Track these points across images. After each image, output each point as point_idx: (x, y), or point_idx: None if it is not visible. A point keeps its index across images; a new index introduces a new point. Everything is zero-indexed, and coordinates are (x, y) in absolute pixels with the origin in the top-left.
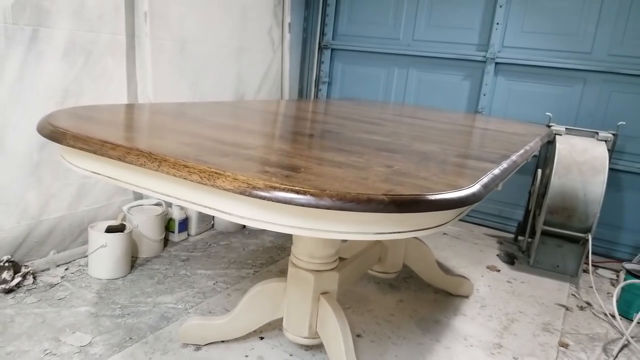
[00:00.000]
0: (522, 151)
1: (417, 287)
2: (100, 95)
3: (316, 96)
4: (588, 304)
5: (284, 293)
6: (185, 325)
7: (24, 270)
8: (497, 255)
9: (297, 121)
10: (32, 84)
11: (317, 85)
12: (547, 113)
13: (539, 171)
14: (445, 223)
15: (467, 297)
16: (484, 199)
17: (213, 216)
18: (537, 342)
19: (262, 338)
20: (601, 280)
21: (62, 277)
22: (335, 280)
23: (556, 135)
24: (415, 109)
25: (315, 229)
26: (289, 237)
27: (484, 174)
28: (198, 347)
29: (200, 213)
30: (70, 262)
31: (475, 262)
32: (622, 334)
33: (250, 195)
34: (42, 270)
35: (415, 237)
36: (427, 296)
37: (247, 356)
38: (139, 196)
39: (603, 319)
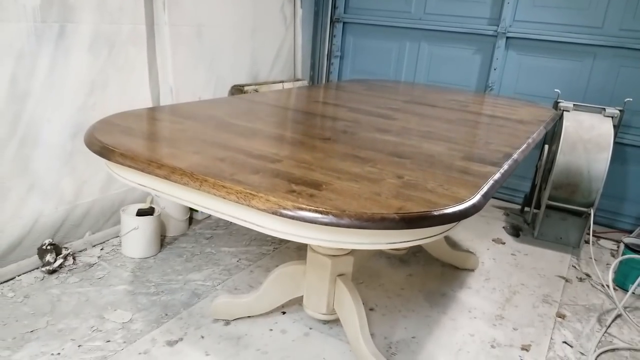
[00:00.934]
0: (524, 146)
1: (426, 262)
2: (124, 84)
3: (328, 70)
4: (587, 275)
5: (304, 275)
6: (215, 303)
7: (64, 252)
8: (503, 227)
9: (311, 119)
10: (61, 78)
11: (329, 59)
12: (555, 90)
13: (546, 147)
14: (448, 230)
15: (472, 270)
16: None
17: None
18: (536, 314)
19: (284, 313)
20: (602, 251)
21: (99, 257)
22: (350, 263)
23: (564, 112)
24: (425, 91)
25: (336, 241)
26: None
27: (485, 180)
28: (227, 322)
29: None
30: (104, 242)
31: (481, 235)
32: (616, 305)
33: (281, 215)
34: (80, 251)
35: None
36: (435, 270)
37: (271, 330)
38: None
39: (600, 290)
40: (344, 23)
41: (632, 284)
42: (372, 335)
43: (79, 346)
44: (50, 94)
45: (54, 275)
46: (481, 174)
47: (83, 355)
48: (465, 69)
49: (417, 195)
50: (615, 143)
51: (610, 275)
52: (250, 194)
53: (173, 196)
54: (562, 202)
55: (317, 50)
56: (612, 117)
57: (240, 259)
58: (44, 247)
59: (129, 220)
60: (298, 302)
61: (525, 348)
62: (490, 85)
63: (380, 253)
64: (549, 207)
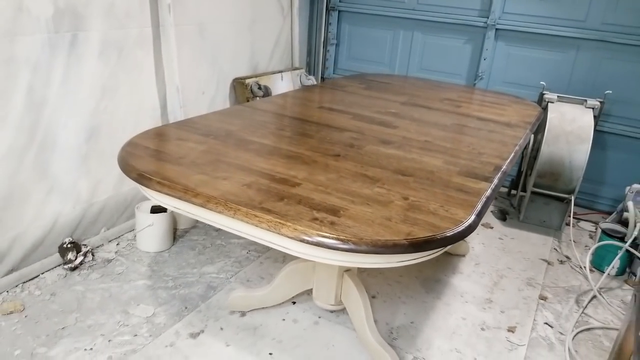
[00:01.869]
0: (512, 155)
1: None
2: (133, 86)
3: (324, 58)
4: (567, 257)
5: (313, 270)
6: (232, 297)
7: (84, 249)
8: (491, 211)
9: (320, 131)
10: (75, 84)
11: (325, 47)
12: (541, 82)
13: (532, 136)
14: (447, 246)
15: (464, 255)
16: None
17: None
18: (521, 296)
19: (294, 303)
20: (581, 233)
21: (116, 252)
22: None
23: (549, 103)
24: (420, 87)
25: (354, 262)
26: None
27: (478, 199)
28: (243, 314)
29: None
30: (119, 236)
31: None
32: (592, 287)
33: (307, 242)
34: (97, 247)
35: None
36: None
37: (284, 319)
38: None
39: (579, 272)
40: (339, 11)
41: (608, 266)
42: (375, 322)
43: (109, 341)
44: (65, 101)
45: (76, 272)
46: (475, 191)
47: (114, 350)
48: (456, 59)
49: (421, 218)
50: (595, 131)
51: (588, 258)
52: (280, 222)
53: (209, 220)
54: (546, 189)
55: (314, 38)
56: (593, 108)
57: (250, 250)
58: (65, 245)
59: (144, 217)
60: (306, 293)
61: (511, 330)
62: (480, 74)
63: None
64: (533, 193)
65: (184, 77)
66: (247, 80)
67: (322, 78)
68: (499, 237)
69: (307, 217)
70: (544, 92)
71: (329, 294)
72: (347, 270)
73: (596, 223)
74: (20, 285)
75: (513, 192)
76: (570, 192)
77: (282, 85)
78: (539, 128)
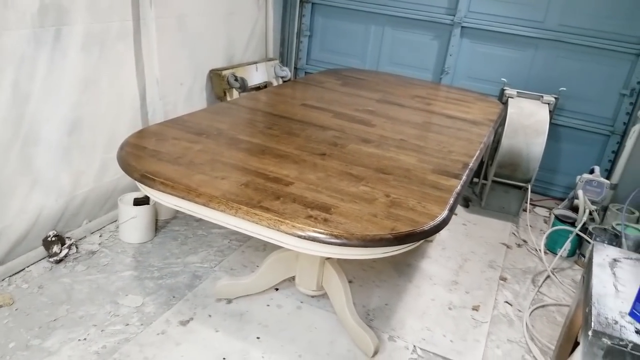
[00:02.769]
0: (478, 152)
1: None
2: (114, 79)
3: (298, 48)
4: (524, 241)
5: (296, 259)
6: (218, 285)
7: (68, 242)
8: None
9: (305, 129)
10: (58, 78)
11: (298, 38)
12: (502, 78)
13: None
14: (425, 238)
15: (432, 241)
16: None
17: None
18: (483, 278)
19: (277, 289)
20: (536, 218)
21: (100, 244)
22: None
23: (509, 99)
24: (391, 84)
25: (345, 254)
26: None
27: (450, 195)
28: (229, 301)
29: None
30: (101, 228)
31: None
32: (546, 268)
33: (304, 238)
34: (80, 239)
35: None
36: None
37: (268, 305)
38: None
39: (534, 254)
40: (312, 4)
41: (560, 248)
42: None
43: (101, 331)
44: (48, 94)
45: (62, 265)
46: (447, 187)
47: (107, 339)
48: (424, 54)
49: (402, 214)
50: (550, 124)
51: (543, 242)
52: (279, 220)
53: (210, 217)
54: (505, 178)
55: (287, 29)
56: (548, 104)
57: (231, 239)
58: (49, 238)
59: (128, 209)
60: (288, 280)
61: (475, 308)
62: (446, 69)
63: None
64: (494, 182)
65: (163, 69)
66: (224, 72)
67: (295, 69)
68: (462, 223)
69: (303, 215)
70: (505, 87)
71: (311, 280)
72: (328, 258)
73: (550, 209)
74: (7, 279)
75: (475, 180)
76: (528, 181)
77: (257, 75)
78: (500, 121)
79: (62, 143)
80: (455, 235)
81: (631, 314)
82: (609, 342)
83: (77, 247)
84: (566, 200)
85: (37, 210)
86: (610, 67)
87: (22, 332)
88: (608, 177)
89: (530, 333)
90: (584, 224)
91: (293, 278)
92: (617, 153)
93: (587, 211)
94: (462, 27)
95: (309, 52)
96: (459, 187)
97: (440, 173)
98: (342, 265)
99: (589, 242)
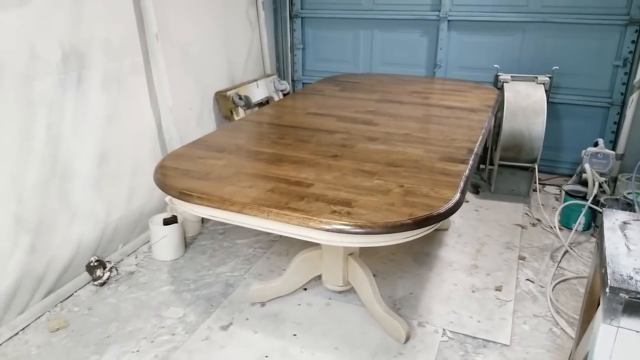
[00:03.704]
0: (480, 138)
1: None
2: (131, 112)
3: (293, 61)
4: (538, 220)
5: (320, 258)
6: (251, 290)
7: (108, 265)
8: None
9: (314, 135)
10: (84, 117)
11: (292, 52)
12: (495, 65)
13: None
14: (442, 220)
15: (447, 229)
16: None
17: None
18: (502, 259)
19: (305, 289)
20: (547, 196)
21: (136, 265)
22: None
23: (504, 84)
24: (387, 83)
25: (369, 242)
26: None
27: (460, 179)
28: (263, 304)
29: None
30: (135, 250)
31: None
32: (563, 243)
33: (331, 231)
34: (118, 262)
35: None
36: None
37: (299, 304)
38: None
39: (550, 232)
40: (302, 18)
41: (575, 223)
42: None
43: (151, 342)
44: (77, 133)
45: (105, 287)
46: (455, 172)
47: (158, 349)
48: (415, 51)
49: (418, 201)
50: (548, 103)
51: (556, 218)
52: (307, 218)
53: (244, 223)
54: (511, 161)
55: (281, 45)
56: (543, 84)
57: (255, 248)
58: (91, 264)
59: (159, 230)
60: (315, 279)
61: (498, 289)
62: (438, 63)
63: None
64: (500, 165)
65: (174, 97)
66: (228, 93)
67: (293, 81)
68: (474, 209)
69: (327, 211)
70: (499, 73)
71: (337, 276)
72: (351, 253)
73: (559, 186)
74: (59, 304)
75: (482, 166)
76: (533, 161)
77: (259, 92)
78: (499, 106)
79: (93, 176)
80: (469, 222)
81: None
82: (626, 297)
83: (117, 270)
84: (574, 175)
85: (78, 239)
86: (600, 40)
87: (81, 350)
88: (613, 148)
89: (555, 307)
90: (596, 196)
91: (319, 277)
92: (619, 123)
93: (597, 184)
94: (449, 20)
95: (304, 64)
96: (467, 171)
97: (448, 160)
98: (364, 260)
99: (601, 213)
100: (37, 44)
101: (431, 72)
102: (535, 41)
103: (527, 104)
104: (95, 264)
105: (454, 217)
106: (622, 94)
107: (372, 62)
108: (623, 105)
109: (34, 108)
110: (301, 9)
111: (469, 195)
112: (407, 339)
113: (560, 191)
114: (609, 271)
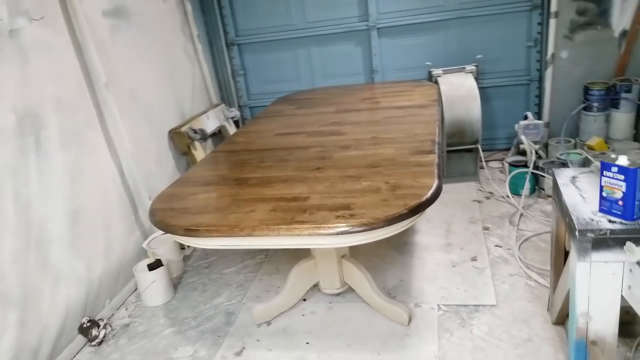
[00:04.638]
0: (437, 129)
1: None
2: (94, 165)
3: (236, 88)
4: (490, 193)
5: (315, 266)
6: (254, 312)
7: (101, 323)
8: None
9: (292, 154)
10: (49, 178)
11: (234, 79)
12: (426, 62)
13: None
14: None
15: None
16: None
17: None
18: (469, 233)
19: (304, 300)
20: (493, 171)
21: (129, 316)
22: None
23: (437, 78)
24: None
25: (373, 237)
26: None
27: (434, 167)
28: (269, 323)
29: None
30: (124, 302)
31: None
32: (517, 208)
33: (341, 233)
34: (110, 318)
35: None
36: None
37: (304, 315)
38: (143, 233)
39: (503, 201)
40: (238, 45)
41: (522, 189)
42: None
43: None
44: (45, 196)
45: (104, 345)
46: (428, 162)
47: None
48: (352, 61)
49: (406, 192)
50: (479, 89)
51: (507, 188)
52: (316, 226)
53: (254, 245)
54: (457, 145)
55: (221, 74)
56: (472, 72)
57: (244, 273)
58: (84, 325)
59: (146, 276)
60: (310, 289)
61: (474, 259)
62: (375, 69)
63: None
64: (448, 151)
65: (133, 144)
66: (182, 129)
67: (240, 107)
68: None
69: (332, 217)
70: (431, 70)
71: (334, 279)
72: (343, 256)
73: (501, 160)
74: None
75: None
76: (476, 142)
77: (210, 123)
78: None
79: (68, 236)
80: (433, 206)
81: (600, 210)
82: (592, 235)
83: (110, 326)
84: (512, 148)
85: (65, 303)
86: (512, 26)
87: None
88: (539, 118)
89: (525, 263)
90: (534, 162)
91: (315, 285)
92: (539, 96)
93: (533, 151)
94: (378, 28)
95: (248, 89)
96: (436, 160)
97: (418, 153)
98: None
99: (544, 177)
100: None
101: (370, 78)
102: (457, 35)
103: (461, 92)
104: (88, 324)
105: None
106: (537, 70)
107: (314, 77)
108: (540, 80)
109: None
110: (236, 36)
111: None
112: (410, 320)
113: (503, 164)
114: (573, 218)
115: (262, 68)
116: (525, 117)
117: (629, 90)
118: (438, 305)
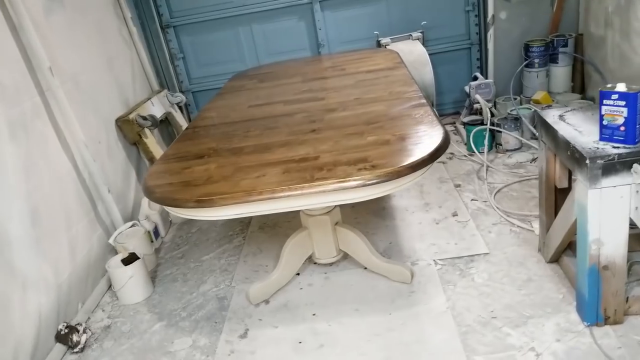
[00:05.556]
0: (416, 85)
1: None
2: (47, 157)
3: (176, 72)
4: (452, 153)
5: (309, 236)
6: (250, 292)
7: (80, 327)
8: None
9: (279, 120)
10: (3, 175)
11: (173, 63)
12: (374, 32)
13: None
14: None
15: None
16: None
17: (168, 213)
18: (443, 191)
19: (298, 274)
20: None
21: (109, 317)
22: (338, 213)
23: (386, 46)
24: (298, 67)
25: (401, 185)
26: None
27: (433, 116)
28: (267, 301)
29: (161, 216)
30: (98, 304)
31: None
32: (482, 163)
33: (370, 185)
34: (86, 322)
35: None
36: None
37: (301, 288)
38: (105, 229)
39: (466, 159)
40: (174, 27)
41: (482, 146)
42: None
43: None
44: (0, 195)
45: (88, 350)
46: (425, 114)
47: None
48: (296, 36)
49: (419, 140)
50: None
51: (467, 147)
52: (342, 180)
53: (273, 209)
54: None
55: (158, 58)
56: (419, 39)
57: (225, 258)
58: (62, 332)
59: (122, 272)
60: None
61: (454, 215)
62: (321, 42)
63: None
64: None
65: (84, 129)
66: (130, 116)
67: (182, 91)
68: None
69: (354, 170)
70: (379, 39)
71: (329, 248)
72: (336, 223)
73: (453, 123)
74: None
75: None
76: (432, 105)
77: (156, 109)
78: None
79: (31, 236)
80: None
81: (601, 138)
82: (602, 162)
83: (90, 330)
84: (465, 109)
85: (37, 310)
86: None
87: None
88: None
89: (503, 211)
90: (489, 120)
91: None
92: (481, 58)
93: (488, 109)
94: (320, 1)
95: (188, 73)
96: (431, 110)
97: (411, 107)
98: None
99: (500, 132)
100: None
101: (316, 52)
102: (399, 3)
103: (413, 58)
104: (66, 330)
105: None
106: (477, 33)
107: (259, 56)
108: (480, 43)
109: None
110: (170, 18)
111: None
112: (412, 277)
113: (456, 127)
114: (578, 148)
115: (201, 50)
116: (475, 78)
117: (565, 45)
118: (434, 260)
